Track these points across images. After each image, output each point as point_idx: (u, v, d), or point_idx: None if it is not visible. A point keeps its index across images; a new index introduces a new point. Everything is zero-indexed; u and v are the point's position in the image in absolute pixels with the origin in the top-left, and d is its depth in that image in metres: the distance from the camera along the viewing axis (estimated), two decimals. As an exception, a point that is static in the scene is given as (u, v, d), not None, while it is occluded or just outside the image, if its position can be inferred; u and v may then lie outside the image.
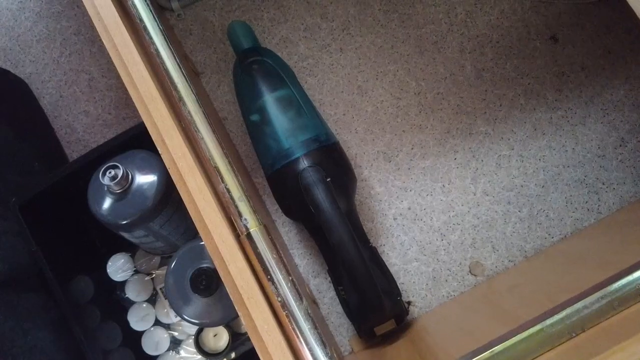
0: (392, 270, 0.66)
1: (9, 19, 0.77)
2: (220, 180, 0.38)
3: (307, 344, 0.35)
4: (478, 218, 0.68)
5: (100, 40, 0.75)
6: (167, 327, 0.66)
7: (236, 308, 0.37)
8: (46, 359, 0.58)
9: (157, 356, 0.65)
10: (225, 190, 0.37)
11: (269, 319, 0.35)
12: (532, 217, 0.67)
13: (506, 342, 0.37)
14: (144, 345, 0.65)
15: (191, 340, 0.64)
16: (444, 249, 0.67)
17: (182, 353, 0.65)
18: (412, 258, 0.68)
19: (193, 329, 0.64)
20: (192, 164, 0.37)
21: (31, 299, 0.60)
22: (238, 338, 0.64)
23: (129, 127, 0.63)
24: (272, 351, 0.34)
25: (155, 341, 0.65)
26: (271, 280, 0.35)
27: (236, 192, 0.37)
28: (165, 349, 0.65)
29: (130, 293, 0.66)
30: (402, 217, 0.69)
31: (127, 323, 0.65)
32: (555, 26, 0.71)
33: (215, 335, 0.63)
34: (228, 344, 0.62)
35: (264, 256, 0.36)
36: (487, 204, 0.68)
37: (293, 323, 0.35)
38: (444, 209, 0.68)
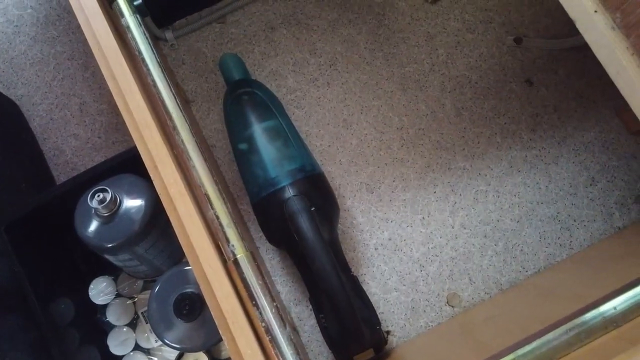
0: (372, 299, 0.68)
1: (4, 42, 0.78)
2: (210, 206, 0.39)
3: (288, 366, 0.36)
4: (456, 250, 0.70)
5: (93, 66, 0.77)
6: (147, 352, 0.66)
7: (220, 332, 0.38)
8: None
9: (135, 381, 0.65)
10: (214, 216, 0.39)
11: (253, 343, 0.36)
12: (507, 250, 0.70)
13: (479, 370, 0.39)
14: (122, 370, 0.65)
15: (170, 366, 0.64)
16: (423, 280, 0.69)
17: (161, 379, 0.65)
18: (391, 288, 0.69)
19: (173, 355, 0.64)
20: (183, 190, 0.39)
21: (11, 320, 0.60)
22: (218, 364, 0.64)
23: (118, 151, 0.65)
24: (255, 375, 0.35)
25: (134, 366, 0.65)
26: (256, 305, 0.37)
27: (225, 219, 0.39)
28: (144, 374, 0.65)
29: (111, 317, 0.66)
30: (383, 247, 0.71)
31: (107, 347, 0.65)
32: (530, 70, 0.75)
33: (195, 361, 0.63)
34: (208, 370, 0.62)
35: (249, 282, 0.37)
36: (464, 237, 0.70)
37: (276, 348, 0.36)
38: (423, 241, 0.70)
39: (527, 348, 0.41)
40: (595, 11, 0.42)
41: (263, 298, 0.37)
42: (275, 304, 0.37)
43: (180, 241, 0.39)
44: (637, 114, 0.42)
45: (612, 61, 0.42)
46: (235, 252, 0.38)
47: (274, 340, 0.36)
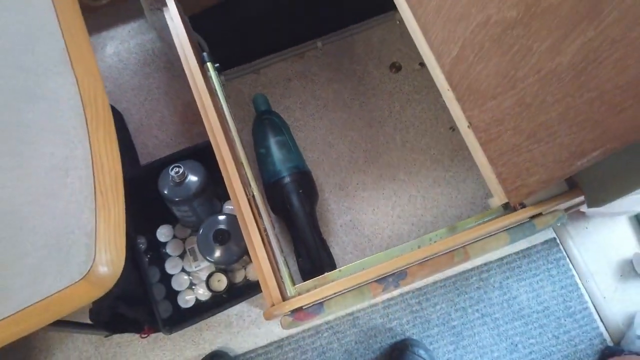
0: (335, 258, 1.05)
1: (116, 73, 1.21)
2: (243, 169, 0.78)
3: (272, 248, 0.74)
4: (392, 232, 1.08)
5: (171, 94, 1.18)
6: (188, 273, 1.04)
7: (243, 234, 0.76)
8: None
9: (180, 291, 1.02)
10: (244, 174, 0.78)
11: (258, 237, 0.74)
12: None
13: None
14: (172, 283, 1.02)
15: (203, 283, 1.02)
16: (369, 248, 1.07)
17: (196, 290, 1.02)
18: (348, 252, 1.07)
19: (205, 276, 1.02)
20: (231, 160, 0.78)
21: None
22: (233, 285, 1.02)
23: (182, 148, 1.05)
24: (259, 254, 0.73)
25: (180, 282, 1.03)
26: (260, 217, 0.75)
27: (250, 175, 0.78)
28: (186, 287, 1.02)
29: (169, 250, 1.05)
30: (346, 226, 1.09)
31: (164, 268, 1.03)
32: (453, 121, 1.14)
33: (219, 281, 1.01)
34: (226, 287, 1.00)
35: (258, 204, 0.75)
36: (398, 224, 1.08)
37: (269, 238, 0.74)
38: (372, 224, 1.08)
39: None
40: (468, 126, 0.80)
41: (264, 214, 0.75)
42: (269, 218, 0.76)
43: (227, 187, 0.78)
44: (480, 170, 0.80)
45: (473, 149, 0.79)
46: (253, 191, 0.77)
47: (268, 235, 0.74)
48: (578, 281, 1.04)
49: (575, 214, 1.08)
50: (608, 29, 0.51)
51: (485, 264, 1.06)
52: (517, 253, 1.07)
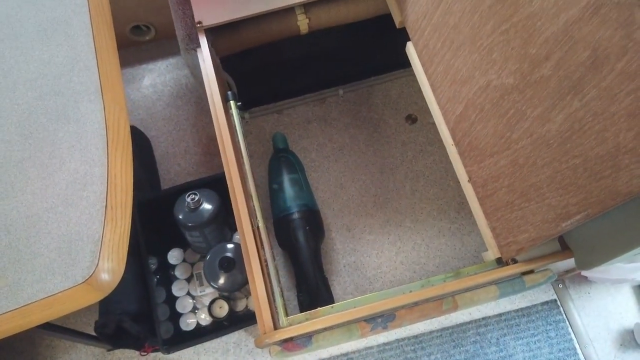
0: (335, 297, 1.08)
1: (149, 103, 1.30)
2: (251, 201, 0.83)
3: (270, 278, 0.78)
4: (394, 277, 1.10)
5: (198, 126, 1.26)
6: (193, 297, 1.08)
7: (245, 262, 0.80)
8: (129, 289, 1.00)
9: (183, 313, 1.06)
10: (252, 206, 0.83)
11: (258, 266, 0.78)
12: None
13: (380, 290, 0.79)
14: (177, 305, 1.07)
15: (206, 308, 1.05)
16: (370, 291, 1.09)
17: (198, 315, 1.06)
18: (348, 292, 1.09)
19: (208, 301, 1.06)
20: (242, 192, 0.83)
21: (128, 260, 1.04)
22: (234, 313, 1.05)
23: (202, 177, 1.11)
24: (257, 282, 0.77)
25: (184, 304, 1.07)
26: (263, 248, 0.79)
27: (257, 208, 0.83)
28: (189, 310, 1.06)
29: (177, 272, 1.09)
30: (349, 267, 1.12)
31: (171, 290, 1.08)
32: (464, 175, 1.18)
33: (220, 307, 1.04)
34: (227, 314, 1.03)
35: (262, 236, 0.80)
36: (401, 270, 1.10)
37: (268, 269, 0.78)
38: (375, 267, 1.11)
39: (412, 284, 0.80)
40: (468, 181, 0.84)
41: (266, 245, 0.79)
42: (271, 250, 0.80)
43: (235, 216, 0.83)
44: (477, 223, 0.83)
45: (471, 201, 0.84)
46: (259, 223, 0.81)
47: (267, 266, 0.78)
48: (576, 345, 1.04)
49: (577, 278, 1.08)
50: (591, 102, 0.55)
51: (484, 319, 1.07)
52: (516, 311, 1.07)
